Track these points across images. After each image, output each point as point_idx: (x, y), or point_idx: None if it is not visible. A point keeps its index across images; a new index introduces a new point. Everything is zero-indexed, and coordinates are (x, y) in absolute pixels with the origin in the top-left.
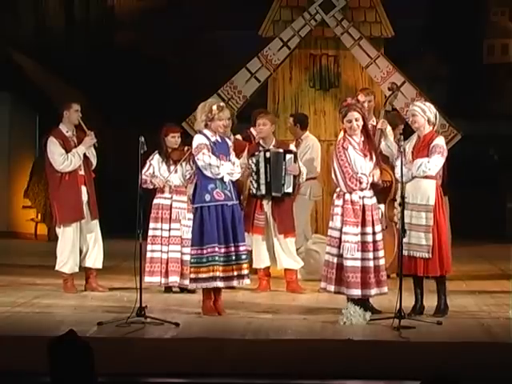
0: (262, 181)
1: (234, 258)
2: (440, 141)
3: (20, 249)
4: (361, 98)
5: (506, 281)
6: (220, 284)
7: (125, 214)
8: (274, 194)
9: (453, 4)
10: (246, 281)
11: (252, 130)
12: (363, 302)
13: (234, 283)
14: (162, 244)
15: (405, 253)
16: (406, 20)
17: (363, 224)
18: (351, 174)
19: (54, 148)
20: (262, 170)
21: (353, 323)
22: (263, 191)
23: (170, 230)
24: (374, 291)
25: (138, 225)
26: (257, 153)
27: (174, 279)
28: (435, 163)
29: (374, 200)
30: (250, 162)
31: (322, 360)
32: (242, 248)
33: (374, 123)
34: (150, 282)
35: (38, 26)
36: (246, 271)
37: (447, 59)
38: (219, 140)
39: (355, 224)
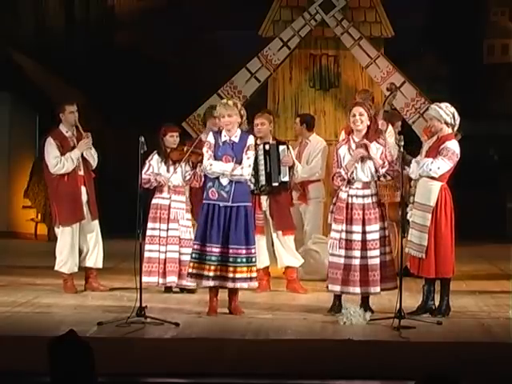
0: (262, 172)
1: (220, 259)
2: (451, 144)
3: (20, 249)
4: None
5: (506, 281)
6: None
7: (125, 214)
8: (273, 183)
9: (453, 4)
10: (244, 284)
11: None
12: (363, 302)
13: (228, 284)
14: (159, 244)
15: (406, 250)
16: (405, 20)
17: (350, 222)
18: (334, 172)
19: (50, 149)
20: (262, 163)
21: (353, 323)
22: (263, 182)
23: (168, 230)
24: (358, 290)
25: (138, 225)
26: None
27: (171, 279)
28: (438, 165)
29: (371, 200)
30: None
31: (322, 360)
32: (233, 251)
33: None
34: (148, 281)
35: (38, 26)
36: (242, 275)
37: (447, 59)
38: (236, 140)
39: (339, 221)
